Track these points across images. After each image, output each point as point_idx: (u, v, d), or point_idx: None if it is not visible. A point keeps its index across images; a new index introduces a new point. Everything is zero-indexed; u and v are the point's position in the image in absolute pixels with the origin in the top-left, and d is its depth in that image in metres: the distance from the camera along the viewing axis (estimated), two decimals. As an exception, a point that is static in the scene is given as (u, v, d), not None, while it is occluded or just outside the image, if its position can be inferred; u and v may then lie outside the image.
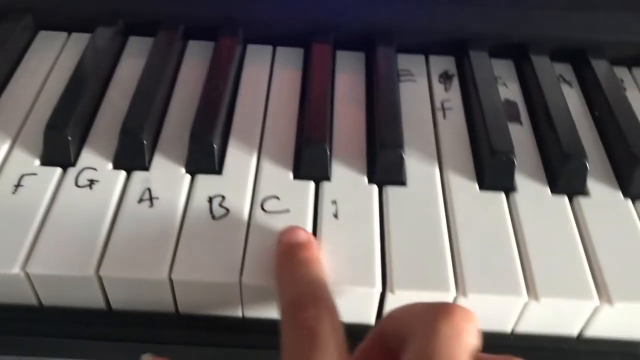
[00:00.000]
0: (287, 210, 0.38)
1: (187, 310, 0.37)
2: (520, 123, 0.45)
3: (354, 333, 0.36)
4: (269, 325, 0.36)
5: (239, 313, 0.37)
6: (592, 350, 0.37)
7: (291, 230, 0.35)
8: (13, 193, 0.38)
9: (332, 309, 0.30)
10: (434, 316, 0.27)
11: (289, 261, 0.34)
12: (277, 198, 0.39)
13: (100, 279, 0.35)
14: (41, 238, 0.36)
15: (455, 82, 0.48)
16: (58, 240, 0.36)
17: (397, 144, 0.40)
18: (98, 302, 0.36)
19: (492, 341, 0.36)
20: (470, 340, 0.27)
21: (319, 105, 0.43)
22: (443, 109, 0.46)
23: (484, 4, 0.49)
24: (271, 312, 0.36)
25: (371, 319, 0.36)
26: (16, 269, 0.34)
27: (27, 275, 0.35)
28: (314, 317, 0.29)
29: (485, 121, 0.42)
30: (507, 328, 0.37)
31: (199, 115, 0.41)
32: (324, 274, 0.33)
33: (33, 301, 0.37)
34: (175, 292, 0.36)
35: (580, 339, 0.37)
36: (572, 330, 0.36)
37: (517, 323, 0.36)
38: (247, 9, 0.49)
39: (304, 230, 0.36)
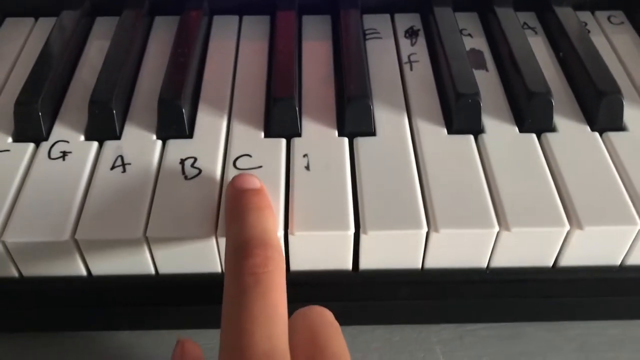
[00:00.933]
0: (260, 166, 0.38)
1: (167, 271, 0.37)
2: (486, 69, 0.46)
3: (333, 278, 0.37)
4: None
5: (218, 269, 0.37)
6: (567, 278, 0.37)
7: (243, 176, 0.35)
8: (-14, 170, 0.38)
9: (279, 259, 0.30)
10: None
11: (240, 207, 0.33)
12: (249, 156, 0.39)
13: (77, 242, 0.35)
14: (16, 208, 0.36)
15: (421, 37, 0.49)
16: (33, 209, 0.36)
17: (364, 95, 0.41)
18: (77, 269, 0.37)
19: (469, 277, 0.36)
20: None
21: (285, 64, 0.43)
22: (410, 62, 0.46)
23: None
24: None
25: (348, 264, 0.37)
26: (-8, 240, 0.35)
27: (4, 245, 0.35)
28: (260, 265, 0.29)
29: (450, 68, 0.42)
30: (482, 263, 0.37)
31: (167, 82, 0.42)
32: (275, 222, 0.33)
33: (13, 273, 0.37)
34: (152, 252, 0.36)
35: (555, 269, 0.37)
36: (547, 261, 0.37)
37: (491, 257, 0.37)
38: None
39: (256, 177, 0.35)
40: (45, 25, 0.50)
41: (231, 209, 0.34)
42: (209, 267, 0.37)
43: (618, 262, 0.37)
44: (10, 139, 0.41)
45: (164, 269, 0.37)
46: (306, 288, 0.37)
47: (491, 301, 0.39)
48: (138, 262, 0.36)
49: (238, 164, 0.39)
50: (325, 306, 0.33)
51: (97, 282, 0.37)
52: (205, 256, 0.36)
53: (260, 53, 0.48)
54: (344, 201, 0.36)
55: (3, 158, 0.39)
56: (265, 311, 0.28)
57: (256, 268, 0.29)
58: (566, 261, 0.37)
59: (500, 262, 0.37)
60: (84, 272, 0.37)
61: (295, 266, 0.37)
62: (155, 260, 0.36)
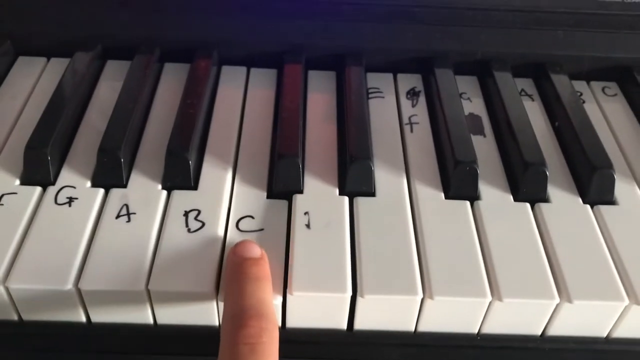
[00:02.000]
0: (262, 229, 0.39)
1: (166, 321, 0.38)
2: (484, 135, 0.47)
3: (328, 337, 0.38)
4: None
5: (215, 322, 0.38)
6: (555, 348, 0.38)
7: (244, 243, 0.36)
8: (-7, 212, 0.39)
9: (273, 330, 0.31)
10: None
11: (239, 276, 0.34)
12: (252, 217, 0.40)
13: (79, 292, 0.36)
14: (21, 254, 0.37)
15: (422, 98, 0.50)
16: (38, 255, 0.37)
17: (366, 156, 0.42)
18: (78, 316, 0.37)
19: (459, 342, 0.37)
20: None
21: (291, 121, 0.44)
22: (410, 123, 0.48)
23: (448, 24, 0.51)
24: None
25: (343, 324, 0.38)
26: (-4, 285, 0.35)
27: (7, 290, 0.36)
28: (254, 335, 0.30)
29: (450, 133, 0.44)
30: (474, 329, 0.38)
31: (175, 132, 0.43)
32: (271, 293, 0.34)
33: (13, 316, 0.37)
34: (152, 303, 0.37)
35: (543, 338, 0.38)
36: (536, 330, 0.38)
37: (483, 324, 0.38)
38: (222, 32, 0.51)
39: (257, 245, 0.36)
40: (56, 65, 0.51)
41: (230, 276, 0.35)
42: (208, 320, 0.38)
43: (605, 334, 0.38)
44: (17, 182, 0.41)
45: (162, 320, 0.38)
46: (301, 345, 0.38)
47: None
48: (138, 312, 0.37)
49: (241, 225, 0.39)
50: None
51: (97, 329, 0.38)
52: (204, 310, 0.37)
53: (266, 104, 0.49)
54: (343, 263, 0.37)
55: (10, 201, 0.40)
56: None
57: (251, 338, 0.30)
58: (554, 331, 0.38)
59: (491, 329, 0.38)
60: (83, 319, 0.38)
61: (291, 323, 0.38)
62: (155, 311, 0.37)
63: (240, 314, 0.31)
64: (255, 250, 0.36)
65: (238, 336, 0.30)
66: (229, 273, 0.35)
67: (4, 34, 0.51)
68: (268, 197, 0.42)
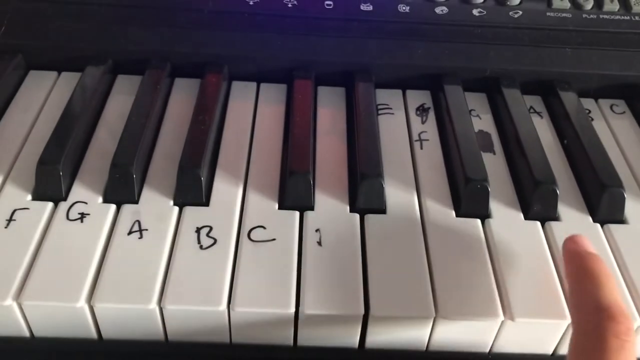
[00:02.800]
0: (274, 239, 0.39)
1: (176, 339, 0.38)
2: (494, 152, 0.47)
3: (339, 355, 0.38)
4: (256, 351, 0.38)
5: (226, 340, 0.38)
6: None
7: (582, 238, 0.37)
8: (5, 227, 0.39)
9: (635, 333, 0.31)
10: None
11: (593, 269, 0.34)
12: (264, 227, 0.40)
13: (91, 309, 0.36)
14: (33, 270, 0.37)
15: (432, 115, 0.51)
16: (50, 272, 0.37)
17: (377, 174, 0.42)
18: (89, 332, 0.37)
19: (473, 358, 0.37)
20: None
21: (301, 138, 0.45)
22: (420, 140, 0.48)
23: (456, 41, 0.52)
24: (258, 338, 0.38)
25: (355, 343, 0.38)
26: (9, 301, 0.35)
27: (20, 307, 0.36)
28: (625, 332, 0.30)
29: (460, 151, 0.44)
30: (485, 349, 0.38)
31: (187, 149, 0.43)
32: None
33: (25, 333, 0.37)
34: (164, 321, 0.37)
35: (554, 357, 0.38)
36: (547, 349, 0.38)
37: (494, 343, 0.38)
38: (232, 47, 0.51)
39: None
40: (67, 79, 0.52)
41: (582, 267, 0.35)
42: (219, 337, 0.38)
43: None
44: (29, 197, 0.42)
45: (174, 337, 0.38)
46: None
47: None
48: (149, 329, 0.37)
49: (252, 235, 0.40)
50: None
51: (107, 345, 0.38)
52: (216, 327, 0.37)
53: (276, 120, 0.49)
54: (355, 282, 0.37)
55: (22, 216, 0.40)
56: None
57: (621, 334, 0.30)
58: (565, 351, 0.38)
59: (502, 347, 0.38)
60: (95, 336, 0.38)
61: (302, 341, 0.38)
62: (167, 328, 0.37)
63: (607, 308, 0.31)
64: (592, 246, 0.37)
65: (607, 328, 0.30)
66: (577, 262, 0.35)
67: (15, 48, 0.51)
68: (279, 208, 0.42)
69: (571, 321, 0.33)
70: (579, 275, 0.35)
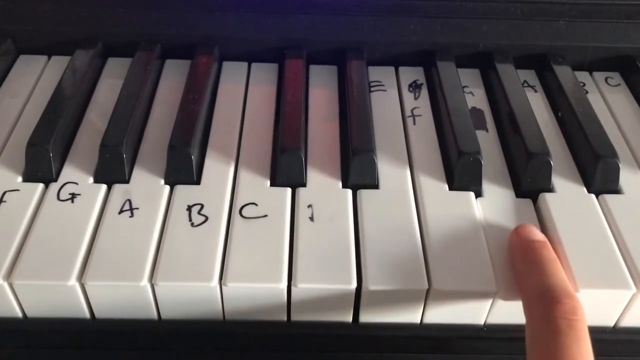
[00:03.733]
0: (265, 215, 0.39)
1: (169, 316, 0.38)
2: (486, 130, 0.47)
3: (334, 329, 0.38)
4: (250, 327, 0.37)
5: (220, 317, 0.38)
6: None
7: (527, 227, 0.38)
8: (-4, 209, 0.39)
9: (582, 309, 0.32)
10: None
11: (535, 256, 0.35)
12: (255, 204, 0.40)
13: (83, 287, 0.36)
14: (24, 250, 0.37)
15: (424, 91, 0.50)
16: (41, 251, 0.37)
17: (369, 149, 0.42)
18: (81, 311, 0.37)
19: (465, 333, 0.37)
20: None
21: (293, 115, 0.44)
22: (413, 115, 0.48)
23: (449, 16, 0.51)
24: (253, 315, 0.37)
25: (348, 317, 0.37)
26: (0, 281, 0.35)
27: (11, 287, 0.36)
28: (571, 311, 0.31)
29: (453, 125, 0.44)
30: (480, 321, 0.38)
31: (177, 128, 0.43)
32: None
33: (17, 313, 0.37)
34: (156, 298, 0.36)
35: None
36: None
37: (488, 315, 0.37)
38: (222, 27, 0.51)
39: (538, 229, 0.38)
40: (57, 63, 0.51)
41: (523, 257, 0.36)
42: (212, 314, 0.37)
43: (612, 324, 0.38)
44: (20, 179, 0.41)
45: (167, 314, 0.38)
46: (306, 337, 0.38)
47: (484, 357, 0.39)
48: (141, 307, 0.37)
49: (244, 212, 0.39)
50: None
51: (101, 325, 0.38)
52: (209, 303, 0.37)
53: (268, 99, 0.49)
54: (347, 255, 0.37)
55: (13, 198, 0.40)
56: (581, 355, 0.30)
57: (567, 314, 0.31)
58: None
59: (497, 319, 0.38)
60: (87, 315, 0.37)
61: (296, 316, 0.37)
62: (159, 305, 0.37)
63: (550, 291, 0.32)
64: (539, 234, 0.37)
65: (554, 311, 0.31)
66: (520, 254, 0.36)
67: (5, 32, 0.51)
68: (271, 185, 0.41)
69: (523, 311, 0.34)
70: (522, 266, 0.36)
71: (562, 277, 0.34)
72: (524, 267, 0.36)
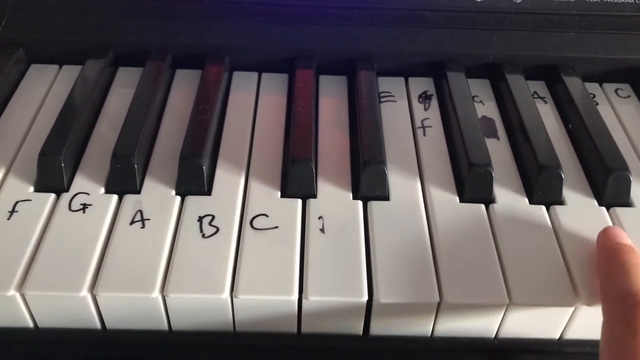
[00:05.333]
0: (276, 227, 0.39)
1: (180, 327, 0.38)
2: (497, 138, 0.47)
3: (343, 342, 0.38)
4: (260, 338, 0.38)
5: (230, 328, 0.38)
6: (574, 352, 0.38)
7: (616, 229, 0.38)
8: (8, 219, 0.39)
9: None
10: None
11: (622, 258, 0.36)
12: (266, 216, 0.40)
13: (94, 298, 0.36)
14: (36, 261, 0.37)
15: (434, 102, 0.50)
16: (52, 262, 0.37)
17: (379, 161, 0.42)
18: (92, 322, 0.37)
19: (476, 345, 0.37)
20: None
21: (303, 126, 0.44)
22: (423, 126, 0.48)
23: (458, 27, 0.51)
24: (263, 327, 0.37)
25: (359, 329, 0.37)
26: (12, 291, 0.35)
27: (23, 297, 0.36)
28: None
29: (463, 136, 0.44)
30: (492, 334, 0.38)
31: (188, 138, 0.43)
32: None
33: (28, 323, 0.37)
34: (167, 309, 0.37)
35: (560, 342, 0.38)
36: (553, 334, 0.38)
37: (499, 328, 0.37)
38: (233, 38, 0.51)
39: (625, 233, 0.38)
40: (69, 72, 0.52)
41: (610, 259, 0.36)
42: (222, 326, 0.37)
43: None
44: (31, 188, 0.41)
45: (178, 326, 0.38)
46: (316, 349, 0.38)
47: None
48: (152, 318, 0.37)
49: (255, 223, 0.39)
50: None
51: (112, 335, 0.38)
52: (219, 314, 0.37)
53: (278, 110, 0.49)
54: (358, 267, 0.37)
55: (24, 208, 0.40)
56: None
57: None
58: (571, 335, 0.38)
59: (508, 333, 0.38)
60: (98, 326, 0.38)
61: (306, 329, 0.37)
62: (170, 316, 0.37)
63: (633, 294, 0.33)
64: (627, 238, 0.38)
65: (635, 313, 0.32)
66: (606, 254, 0.37)
67: (16, 42, 0.51)
68: (281, 196, 0.41)
69: (602, 311, 0.34)
70: (607, 267, 0.36)
71: None
72: (609, 268, 0.36)
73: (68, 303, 0.36)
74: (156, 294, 0.35)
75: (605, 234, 0.38)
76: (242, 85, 0.51)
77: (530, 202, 0.42)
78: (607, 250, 0.37)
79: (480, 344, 0.38)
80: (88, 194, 0.41)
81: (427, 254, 0.38)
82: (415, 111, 0.49)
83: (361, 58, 0.51)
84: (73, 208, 0.40)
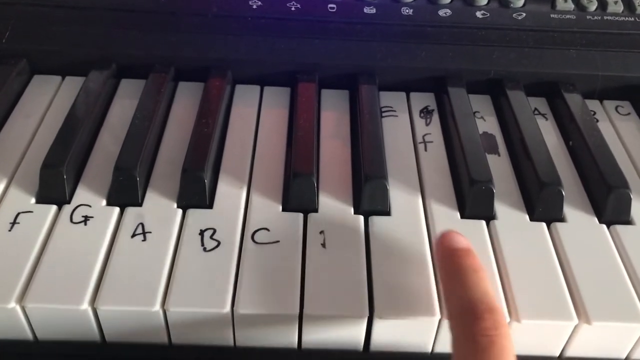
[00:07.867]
0: (277, 241, 0.39)
1: (180, 341, 0.38)
2: (498, 154, 0.47)
3: (344, 357, 0.37)
4: (260, 354, 0.37)
5: (230, 342, 0.38)
6: (574, 370, 0.38)
7: (450, 234, 0.36)
8: (9, 230, 0.39)
9: (505, 322, 0.31)
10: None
11: (456, 268, 0.34)
12: (267, 230, 0.40)
13: (95, 311, 0.36)
14: (37, 273, 0.37)
15: (436, 117, 0.50)
16: (53, 274, 0.37)
17: (381, 176, 0.42)
18: (92, 335, 0.37)
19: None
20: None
21: (305, 140, 0.44)
22: (424, 142, 0.48)
23: (460, 43, 0.51)
24: (264, 341, 0.37)
25: (359, 345, 0.37)
26: (12, 304, 0.35)
27: (23, 310, 0.36)
28: (492, 327, 0.30)
29: (465, 153, 0.44)
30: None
31: (190, 152, 0.43)
32: (491, 285, 0.34)
33: (28, 336, 0.37)
34: (168, 323, 0.36)
35: (561, 359, 0.38)
36: (554, 351, 0.38)
37: (501, 345, 0.37)
38: (235, 51, 0.51)
39: (463, 236, 0.36)
40: (71, 84, 0.52)
41: (446, 270, 0.34)
42: (223, 340, 0.37)
43: (624, 356, 0.38)
44: (33, 200, 0.41)
45: (178, 340, 0.38)
46: (316, 364, 0.38)
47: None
48: (153, 332, 0.37)
49: (256, 237, 0.39)
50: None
51: (111, 348, 0.38)
52: (220, 328, 0.37)
53: (280, 123, 0.49)
54: (359, 284, 0.37)
55: (26, 219, 0.40)
56: None
57: (488, 331, 0.30)
58: (572, 352, 0.38)
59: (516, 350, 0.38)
60: (98, 338, 0.37)
61: (306, 344, 0.37)
62: (170, 331, 0.37)
63: (471, 307, 0.31)
64: (463, 241, 0.35)
65: (475, 329, 0.30)
66: (442, 266, 0.35)
67: (19, 53, 0.51)
68: (283, 210, 0.42)
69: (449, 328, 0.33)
70: (444, 279, 0.35)
71: (485, 288, 0.32)
72: (446, 280, 0.34)
73: (68, 316, 0.36)
74: (157, 308, 0.35)
75: (440, 241, 0.35)
76: (245, 98, 0.51)
77: (531, 219, 0.42)
78: (443, 259, 0.35)
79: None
80: (90, 206, 0.41)
81: (428, 271, 0.38)
82: (417, 126, 0.49)
83: (363, 72, 0.51)
84: (74, 220, 0.40)
